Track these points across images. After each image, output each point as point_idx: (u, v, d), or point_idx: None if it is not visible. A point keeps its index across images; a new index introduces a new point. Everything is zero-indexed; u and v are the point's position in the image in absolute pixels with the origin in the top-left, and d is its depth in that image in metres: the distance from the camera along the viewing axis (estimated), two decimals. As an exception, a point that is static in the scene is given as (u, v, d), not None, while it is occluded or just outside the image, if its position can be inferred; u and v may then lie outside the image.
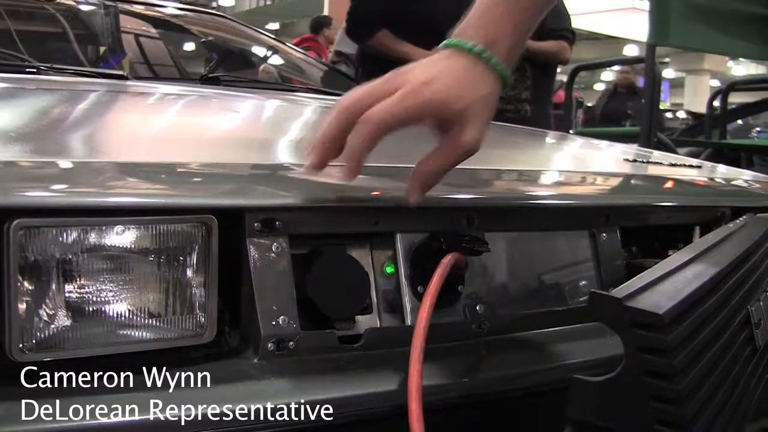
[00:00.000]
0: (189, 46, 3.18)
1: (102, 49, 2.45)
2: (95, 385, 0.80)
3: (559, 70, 4.16)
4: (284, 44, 2.86)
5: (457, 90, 0.90)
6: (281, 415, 0.84)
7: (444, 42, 0.94)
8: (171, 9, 2.96)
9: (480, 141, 0.92)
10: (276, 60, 2.75)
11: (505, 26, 0.93)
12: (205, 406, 0.80)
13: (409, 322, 0.99)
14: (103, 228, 0.81)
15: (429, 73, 0.90)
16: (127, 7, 2.63)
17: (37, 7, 2.46)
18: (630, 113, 7.59)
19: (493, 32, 0.93)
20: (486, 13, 0.94)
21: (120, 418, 0.77)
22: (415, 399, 0.84)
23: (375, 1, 3.20)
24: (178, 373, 0.84)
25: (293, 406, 0.84)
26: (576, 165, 1.73)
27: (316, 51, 5.65)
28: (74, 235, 0.80)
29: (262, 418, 0.83)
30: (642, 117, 2.98)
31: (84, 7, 2.53)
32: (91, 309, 0.82)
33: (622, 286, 0.80)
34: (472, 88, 0.91)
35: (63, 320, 0.80)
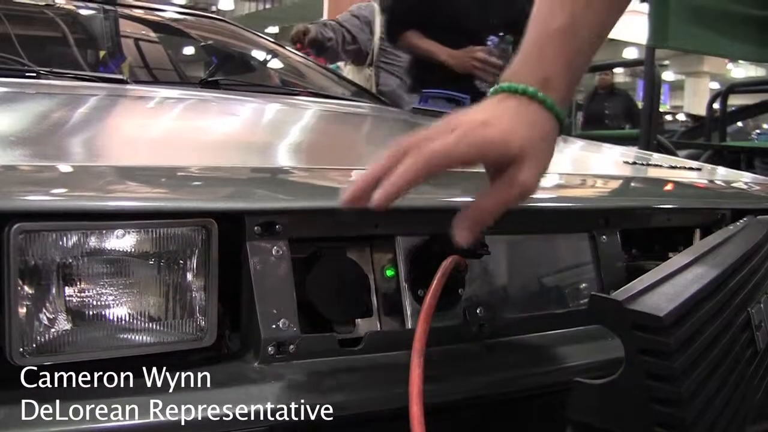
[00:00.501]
0: (188, 50, 3.18)
1: (101, 53, 2.45)
2: (95, 387, 0.80)
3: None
4: (283, 47, 2.86)
5: (514, 131, 0.86)
6: (281, 418, 0.84)
7: (497, 86, 0.91)
8: (170, 13, 2.96)
9: (537, 183, 0.88)
10: (275, 63, 2.75)
11: (559, 65, 0.91)
12: (205, 408, 0.80)
13: (409, 325, 0.99)
14: (103, 232, 0.81)
15: (485, 114, 0.87)
16: (126, 11, 2.63)
17: (36, 12, 2.45)
18: (608, 113, 7.61)
19: (547, 71, 0.90)
20: (539, 52, 0.91)
21: (120, 421, 0.77)
22: (416, 402, 0.83)
23: (405, 2, 3.25)
24: (178, 377, 0.84)
25: (293, 409, 0.84)
26: (576, 167, 1.73)
27: None
28: (74, 238, 0.80)
29: (262, 420, 0.83)
30: (642, 119, 2.98)
31: (83, 12, 2.53)
32: (91, 313, 0.82)
33: (622, 288, 0.79)
34: (529, 128, 0.88)
35: (63, 324, 0.80)
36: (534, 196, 1.15)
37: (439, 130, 0.86)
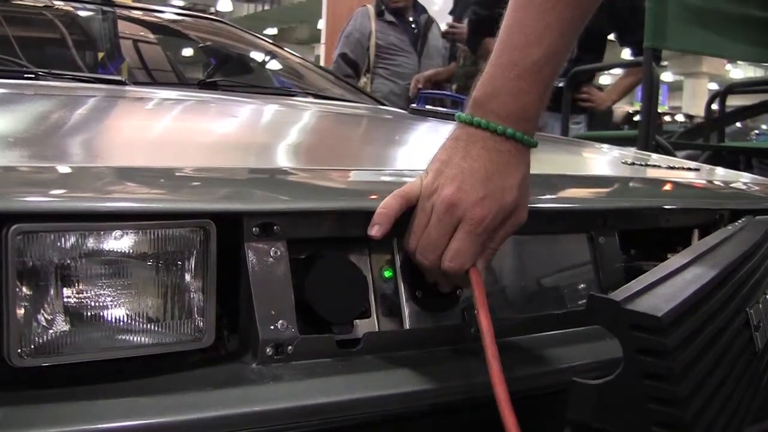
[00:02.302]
0: (187, 52, 3.19)
1: (100, 54, 2.45)
2: (93, 388, 0.80)
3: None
4: (282, 49, 2.86)
5: (507, 187, 0.91)
6: (280, 419, 0.84)
7: (474, 118, 0.92)
8: (169, 14, 2.96)
9: (527, 214, 0.96)
10: (274, 65, 2.75)
11: (535, 97, 0.92)
12: (203, 410, 0.80)
13: (407, 326, 0.99)
14: (101, 233, 0.81)
15: (471, 184, 0.90)
16: (125, 12, 2.63)
17: (35, 13, 2.46)
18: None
19: (525, 105, 0.92)
20: (515, 85, 0.92)
21: (118, 423, 0.77)
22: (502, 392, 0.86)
23: (483, 11, 3.42)
24: (176, 377, 0.84)
25: (292, 409, 0.84)
26: (574, 168, 1.73)
27: None
28: (72, 240, 0.80)
29: (260, 422, 0.83)
30: (640, 120, 2.98)
31: (82, 13, 2.53)
32: (89, 314, 0.82)
33: (620, 288, 0.80)
34: (521, 178, 0.93)
35: (61, 325, 0.80)
36: (533, 197, 1.15)
37: (442, 229, 0.92)
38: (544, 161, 1.80)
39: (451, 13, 4.44)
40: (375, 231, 0.92)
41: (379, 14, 4.28)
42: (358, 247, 0.99)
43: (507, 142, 0.91)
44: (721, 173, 1.79)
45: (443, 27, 4.40)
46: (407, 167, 1.16)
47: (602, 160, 1.84)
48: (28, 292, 0.78)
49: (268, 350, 0.88)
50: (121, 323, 0.83)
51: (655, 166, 1.62)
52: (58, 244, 0.79)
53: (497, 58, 0.93)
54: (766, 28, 3.07)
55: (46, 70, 1.78)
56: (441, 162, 0.92)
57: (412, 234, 0.94)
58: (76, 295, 0.81)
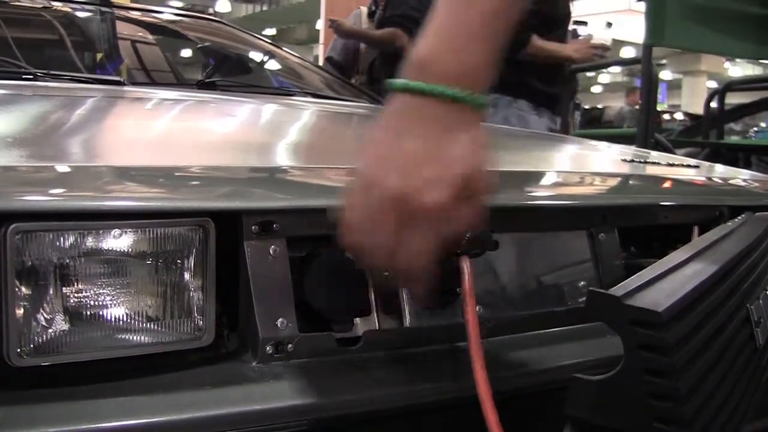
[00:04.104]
0: (186, 52, 3.18)
1: (99, 55, 2.45)
2: (93, 388, 0.79)
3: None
4: (281, 49, 2.86)
5: (460, 160, 0.77)
6: (280, 418, 0.84)
7: (403, 81, 0.79)
8: (168, 15, 2.96)
9: (490, 180, 0.82)
10: (272, 65, 2.75)
11: (487, 52, 0.79)
12: (203, 409, 0.80)
13: (407, 323, 0.99)
14: (100, 232, 0.81)
15: (419, 170, 0.76)
16: (123, 13, 2.63)
17: (33, 14, 2.46)
18: None
19: (476, 60, 0.79)
20: (465, 36, 0.79)
21: (118, 421, 0.77)
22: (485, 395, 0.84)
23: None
24: (176, 376, 0.83)
25: (292, 408, 0.84)
26: (574, 166, 1.73)
27: None
28: (71, 239, 0.80)
29: (260, 420, 0.83)
30: (639, 118, 2.99)
31: (80, 14, 2.53)
32: (88, 313, 0.82)
33: (620, 284, 0.79)
34: (466, 142, 0.78)
35: (61, 324, 0.80)
36: (532, 194, 1.15)
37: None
38: (543, 158, 1.80)
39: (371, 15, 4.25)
40: None
41: (371, 15, 4.27)
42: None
43: (455, 107, 0.78)
44: (720, 170, 1.79)
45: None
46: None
47: (601, 157, 1.84)
48: (28, 292, 0.78)
49: (268, 349, 0.88)
50: (121, 322, 0.83)
51: (654, 163, 1.62)
52: (57, 243, 0.79)
53: (440, 7, 0.80)
54: (764, 25, 3.07)
55: (44, 71, 1.78)
56: (380, 144, 0.79)
57: (354, 233, 0.80)
58: (76, 295, 0.81)
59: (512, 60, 3.29)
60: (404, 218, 0.77)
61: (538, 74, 3.20)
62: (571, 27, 3.37)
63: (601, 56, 3.35)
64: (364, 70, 4.10)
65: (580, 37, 3.68)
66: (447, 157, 0.77)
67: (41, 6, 2.45)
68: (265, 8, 26.91)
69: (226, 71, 2.47)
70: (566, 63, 3.44)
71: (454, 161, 0.77)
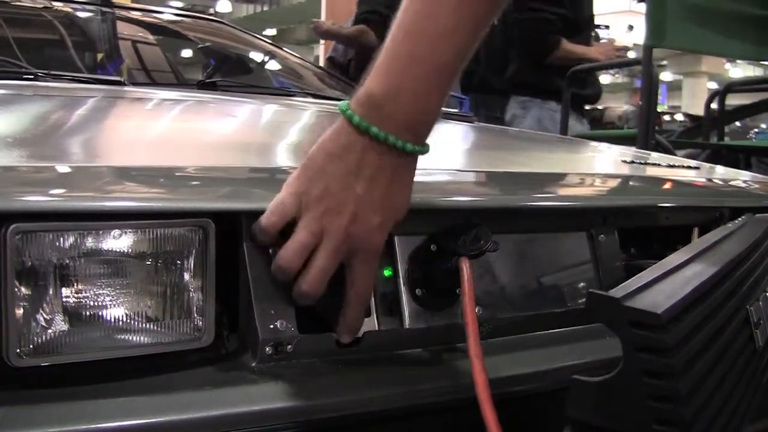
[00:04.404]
0: (186, 52, 3.19)
1: (99, 55, 2.45)
2: (93, 388, 0.79)
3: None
4: (281, 49, 2.86)
5: (402, 204, 0.88)
6: (280, 419, 0.84)
7: (361, 119, 0.84)
8: (168, 15, 2.96)
9: None
10: (273, 65, 2.75)
11: (435, 103, 0.85)
12: (203, 409, 0.80)
13: (407, 324, 0.99)
14: (100, 232, 0.81)
15: (367, 212, 0.84)
16: (124, 13, 2.63)
17: (34, 15, 2.46)
18: None
19: (426, 110, 0.85)
20: (421, 87, 0.83)
21: (118, 423, 0.77)
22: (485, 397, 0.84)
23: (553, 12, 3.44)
24: (176, 377, 0.83)
25: (292, 409, 0.84)
26: (574, 167, 1.73)
27: None
28: (71, 239, 0.79)
29: (260, 421, 0.83)
30: (639, 119, 2.99)
31: (81, 14, 2.53)
32: (88, 314, 0.82)
33: (620, 285, 0.79)
34: (409, 186, 0.89)
35: (60, 325, 0.80)
36: (532, 195, 1.15)
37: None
38: (544, 159, 1.81)
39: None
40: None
41: None
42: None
43: (405, 156, 0.85)
44: (720, 171, 1.79)
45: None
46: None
47: (602, 158, 1.84)
48: (27, 292, 0.78)
49: (267, 349, 0.88)
50: (121, 323, 0.83)
51: (654, 164, 1.62)
52: (57, 243, 0.79)
53: (399, 47, 0.83)
54: (764, 26, 3.07)
55: (45, 71, 1.78)
56: (330, 177, 0.84)
57: (291, 258, 0.85)
58: (75, 295, 0.81)
59: (543, 63, 3.30)
60: (349, 254, 0.86)
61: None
62: (601, 28, 3.46)
63: (620, 56, 3.45)
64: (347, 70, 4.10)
65: (602, 40, 3.76)
66: (392, 206, 0.86)
67: (42, 6, 2.45)
68: (265, 8, 26.92)
69: (226, 71, 2.47)
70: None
71: (397, 210, 0.87)
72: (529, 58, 3.39)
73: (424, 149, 0.86)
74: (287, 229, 0.86)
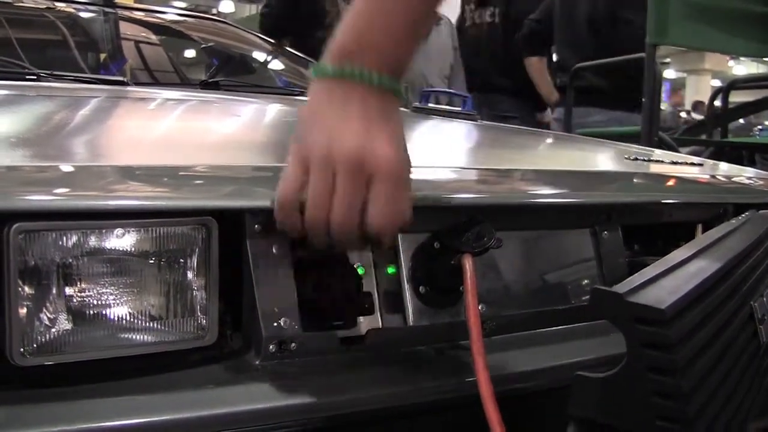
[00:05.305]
0: (189, 52, 3.19)
1: (102, 55, 2.45)
2: (96, 387, 0.79)
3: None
4: (284, 48, 2.86)
5: (396, 139, 0.85)
6: (284, 417, 0.84)
7: (335, 67, 0.84)
8: (171, 15, 2.96)
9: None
10: (276, 64, 2.75)
11: (408, 48, 0.86)
12: (207, 408, 0.80)
13: (411, 322, 0.99)
14: (103, 231, 0.81)
15: (369, 140, 0.82)
16: (126, 13, 2.63)
17: (37, 15, 2.46)
18: None
19: (397, 55, 0.85)
20: (391, 33, 0.84)
21: (122, 421, 0.77)
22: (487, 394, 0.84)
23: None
24: (179, 376, 0.83)
25: (295, 407, 0.84)
26: (577, 164, 1.73)
27: None
28: (74, 238, 0.80)
29: (264, 419, 0.83)
30: (642, 117, 2.98)
31: (84, 14, 2.53)
32: (91, 312, 0.82)
33: (624, 281, 0.79)
34: (400, 124, 0.87)
35: (64, 324, 0.80)
36: (536, 192, 1.15)
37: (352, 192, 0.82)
38: (547, 157, 1.80)
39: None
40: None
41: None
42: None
43: (384, 93, 0.84)
44: (724, 168, 1.79)
45: None
46: (412, 164, 1.15)
47: (605, 155, 1.83)
48: (30, 291, 0.78)
49: (271, 347, 0.88)
50: (124, 322, 0.83)
51: (658, 161, 1.61)
52: (60, 242, 0.79)
53: (362, 7, 0.85)
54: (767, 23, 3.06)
55: (48, 72, 1.78)
56: (322, 127, 0.84)
57: (319, 207, 0.83)
58: (78, 294, 0.81)
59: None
60: (366, 181, 0.82)
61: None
62: None
63: None
64: None
65: None
66: (389, 130, 0.84)
67: (44, 7, 2.46)
68: (268, 8, 26.87)
69: (229, 71, 2.47)
70: None
71: (397, 135, 0.85)
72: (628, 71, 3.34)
73: (400, 88, 0.86)
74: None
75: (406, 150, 0.86)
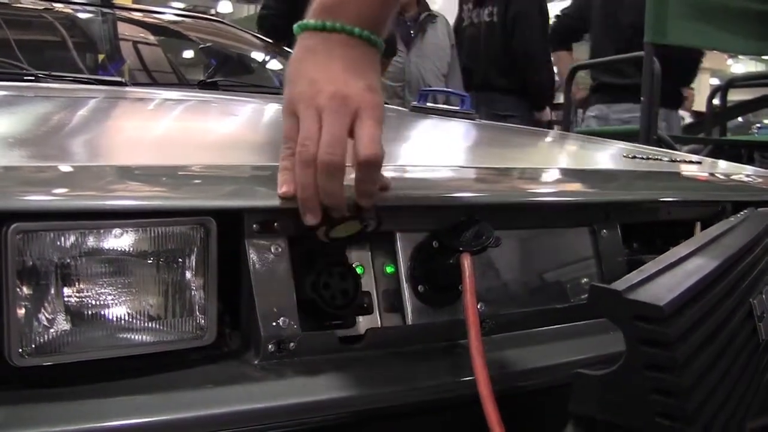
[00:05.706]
0: (187, 53, 3.19)
1: (100, 56, 2.45)
2: (95, 387, 0.79)
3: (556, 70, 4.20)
4: (282, 48, 2.86)
5: (375, 82, 0.91)
6: (283, 416, 0.83)
7: (317, 22, 0.91)
8: (169, 15, 2.96)
9: None
10: (274, 65, 2.75)
11: (385, 5, 0.92)
12: (205, 408, 0.80)
13: (409, 321, 0.99)
14: (101, 231, 0.81)
15: (352, 78, 0.89)
16: (125, 14, 2.63)
17: (35, 16, 2.46)
18: None
19: (373, 11, 0.91)
20: None
21: (121, 421, 0.77)
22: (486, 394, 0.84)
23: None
24: (178, 376, 0.83)
25: (294, 406, 0.84)
26: (576, 162, 1.73)
27: None
28: (72, 238, 0.79)
29: (263, 419, 0.82)
30: (641, 115, 2.98)
31: (82, 15, 2.53)
32: (90, 313, 0.81)
33: (622, 279, 0.79)
34: (377, 73, 0.93)
35: (62, 324, 0.80)
36: (534, 190, 1.15)
37: (339, 122, 0.87)
38: (546, 156, 1.80)
39: None
40: (309, 219, 0.89)
41: None
42: (360, 242, 0.99)
43: (363, 44, 0.91)
44: (723, 166, 1.79)
45: None
46: (411, 163, 1.16)
47: (604, 153, 1.83)
48: (29, 292, 0.78)
49: (270, 347, 0.88)
50: (122, 322, 0.83)
51: (656, 159, 1.61)
52: (58, 243, 0.79)
53: None
54: (766, 21, 3.06)
55: (46, 72, 1.78)
56: (307, 76, 0.90)
57: (308, 141, 0.87)
58: (77, 294, 0.81)
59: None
60: (352, 114, 0.87)
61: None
62: None
63: None
64: None
65: None
66: (370, 74, 0.91)
67: (43, 7, 2.45)
68: (266, 9, 26.86)
69: (227, 71, 2.47)
70: None
71: (372, 83, 0.90)
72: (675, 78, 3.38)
73: (379, 40, 0.92)
74: None
75: (382, 96, 0.92)
